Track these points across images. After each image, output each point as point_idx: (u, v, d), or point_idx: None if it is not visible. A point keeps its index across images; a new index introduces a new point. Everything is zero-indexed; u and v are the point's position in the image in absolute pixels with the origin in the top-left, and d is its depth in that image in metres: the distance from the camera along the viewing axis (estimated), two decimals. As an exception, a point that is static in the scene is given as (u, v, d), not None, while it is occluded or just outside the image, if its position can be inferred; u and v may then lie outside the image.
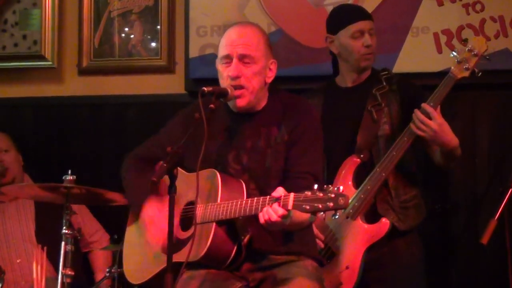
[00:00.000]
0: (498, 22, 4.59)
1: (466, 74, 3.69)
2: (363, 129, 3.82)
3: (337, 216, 2.75)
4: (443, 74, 4.53)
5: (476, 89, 4.54)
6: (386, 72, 3.94)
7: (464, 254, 4.58)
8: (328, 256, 3.72)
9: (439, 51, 4.64)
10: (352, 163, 3.80)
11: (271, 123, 3.26)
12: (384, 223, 3.70)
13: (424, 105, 3.63)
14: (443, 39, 4.64)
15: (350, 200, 3.68)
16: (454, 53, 3.73)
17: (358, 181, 3.77)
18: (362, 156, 3.78)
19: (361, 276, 3.69)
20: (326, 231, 3.74)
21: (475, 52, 3.69)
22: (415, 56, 4.66)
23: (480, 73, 3.69)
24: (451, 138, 3.66)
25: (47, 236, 4.49)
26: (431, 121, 3.59)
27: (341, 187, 2.74)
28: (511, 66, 4.53)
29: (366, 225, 3.71)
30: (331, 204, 2.72)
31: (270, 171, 3.20)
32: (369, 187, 3.70)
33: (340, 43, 3.90)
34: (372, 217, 3.75)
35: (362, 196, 3.70)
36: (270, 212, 2.86)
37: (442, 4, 4.66)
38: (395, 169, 3.74)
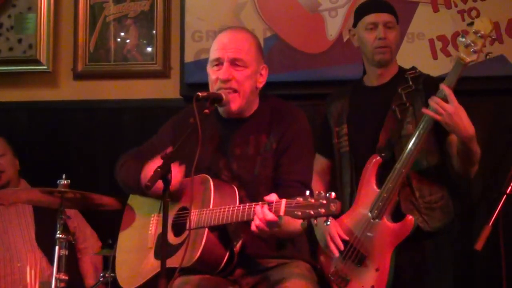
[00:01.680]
0: (493, 29, 4.58)
1: (475, 57, 3.57)
2: (385, 129, 3.77)
3: (329, 223, 2.74)
4: (438, 80, 4.55)
5: (472, 95, 4.54)
6: (413, 71, 3.88)
7: (459, 260, 4.57)
8: (358, 259, 3.69)
9: (435, 57, 4.65)
10: (374, 163, 3.75)
11: (260, 130, 3.26)
12: (409, 221, 3.62)
13: (442, 86, 3.55)
14: (438, 45, 4.64)
15: (374, 201, 3.67)
16: (461, 39, 3.66)
17: (381, 181, 3.71)
18: (383, 154, 3.73)
19: (393, 278, 3.63)
20: (354, 233, 3.70)
21: (481, 34, 3.57)
22: (411, 62, 4.62)
23: (489, 54, 3.62)
24: (467, 124, 3.54)
25: (47, 240, 4.47)
26: (448, 104, 3.51)
27: (333, 193, 2.74)
28: (507, 72, 4.53)
29: (392, 225, 3.66)
30: (323, 210, 2.72)
31: (258, 178, 3.20)
32: (391, 185, 3.64)
33: (358, 35, 3.87)
34: (398, 216, 3.68)
35: (385, 195, 3.64)
36: (259, 216, 2.86)
37: (437, 11, 4.67)
38: (419, 173, 3.70)
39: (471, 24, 3.65)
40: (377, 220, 3.66)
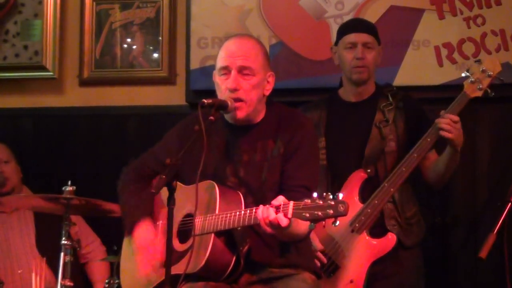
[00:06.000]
0: (499, 36, 4.59)
1: (479, 94, 3.70)
2: (371, 144, 3.84)
3: (337, 223, 2.74)
4: (444, 87, 4.56)
5: (477, 102, 4.53)
6: (391, 88, 3.97)
7: (463, 268, 4.57)
8: (332, 269, 3.73)
9: (440, 64, 4.65)
10: (358, 177, 3.81)
11: (267, 136, 3.25)
12: (391, 239, 3.72)
13: (446, 113, 3.66)
14: (444, 52, 4.64)
15: (356, 215, 3.71)
16: (467, 73, 3.71)
17: (362, 195, 3.78)
18: (369, 171, 3.80)
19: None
20: (330, 244, 3.75)
21: (489, 74, 3.68)
22: (416, 69, 4.66)
23: (493, 94, 3.70)
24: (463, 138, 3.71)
25: (48, 246, 4.49)
26: (458, 124, 3.63)
27: (341, 195, 2.73)
28: (512, 79, 4.53)
29: (372, 240, 3.72)
30: (331, 211, 2.71)
31: (266, 184, 3.19)
32: (376, 202, 3.71)
33: (338, 53, 3.96)
34: (377, 231, 3.76)
35: (369, 210, 3.70)
36: (269, 212, 2.84)
37: (443, 18, 4.67)
38: (399, 190, 3.77)
39: (479, 61, 3.71)
40: (356, 233, 3.70)
